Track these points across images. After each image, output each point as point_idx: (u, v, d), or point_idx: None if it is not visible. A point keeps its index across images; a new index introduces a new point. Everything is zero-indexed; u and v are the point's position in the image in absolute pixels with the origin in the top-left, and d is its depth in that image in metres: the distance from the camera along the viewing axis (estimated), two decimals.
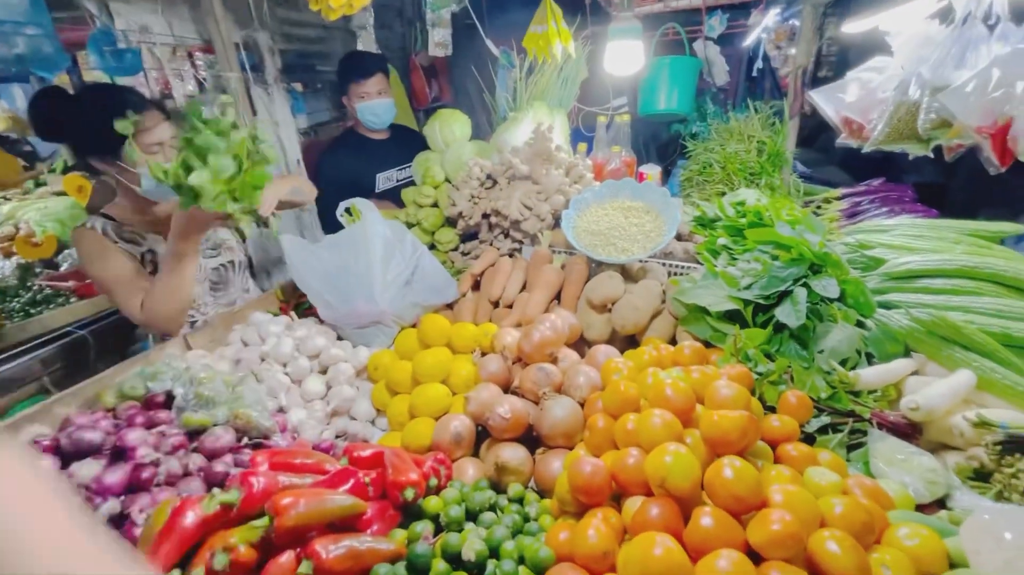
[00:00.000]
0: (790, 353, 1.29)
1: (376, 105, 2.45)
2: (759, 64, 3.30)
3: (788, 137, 2.33)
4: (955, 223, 1.61)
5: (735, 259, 1.58)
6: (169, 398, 1.20)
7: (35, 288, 2.47)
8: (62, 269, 2.72)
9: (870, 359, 1.30)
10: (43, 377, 1.88)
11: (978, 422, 1.05)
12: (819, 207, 2.18)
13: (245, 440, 1.15)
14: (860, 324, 1.34)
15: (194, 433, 1.11)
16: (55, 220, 3.09)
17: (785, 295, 1.35)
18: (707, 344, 1.38)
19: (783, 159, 2.31)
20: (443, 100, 3.86)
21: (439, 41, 2.94)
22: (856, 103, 1.67)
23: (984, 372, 1.20)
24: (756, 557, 0.69)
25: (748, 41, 3.15)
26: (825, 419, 1.14)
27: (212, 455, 1.07)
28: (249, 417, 1.15)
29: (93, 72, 3.62)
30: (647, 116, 2.77)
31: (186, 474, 1.02)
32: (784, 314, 1.30)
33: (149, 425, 1.09)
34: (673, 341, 1.47)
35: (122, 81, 3.26)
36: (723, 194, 2.22)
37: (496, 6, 2.90)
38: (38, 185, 3.73)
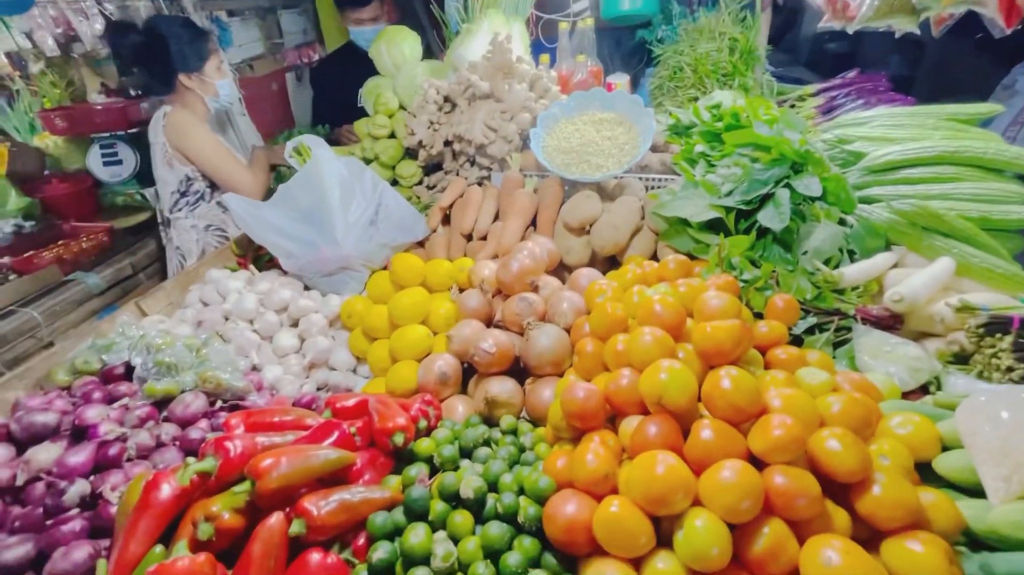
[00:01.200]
0: (774, 257, 1.27)
1: (370, 31, 2.39)
2: None
3: (760, 32, 2.19)
4: (933, 108, 1.56)
5: (714, 166, 1.51)
6: (129, 369, 1.12)
7: None
8: None
9: (852, 256, 1.28)
10: None
11: (961, 307, 1.05)
12: (794, 105, 2.09)
13: (219, 403, 1.09)
14: (842, 222, 1.31)
15: (163, 402, 1.04)
16: None
17: (767, 198, 1.30)
18: (690, 257, 1.34)
19: (756, 57, 2.18)
20: (388, 20, 3.51)
21: None
22: None
23: (964, 258, 1.20)
24: (758, 464, 0.68)
25: None
26: (811, 320, 1.13)
27: (185, 423, 1.01)
28: (219, 379, 1.08)
29: None
30: (611, 20, 2.57)
31: (160, 445, 0.96)
32: (767, 218, 1.26)
33: (109, 399, 1.01)
34: (655, 258, 1.43)
35: (18, 25, 2.85)
36: (696, 99, 2.10)
37: None
38: None
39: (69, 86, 3.04)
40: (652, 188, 1.58)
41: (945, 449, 0.75)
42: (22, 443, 0.89)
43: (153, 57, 1.85)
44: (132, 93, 2.90)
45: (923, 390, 1.01)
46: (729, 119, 1.59)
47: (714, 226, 1.34)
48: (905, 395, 0.98)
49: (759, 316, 1.13)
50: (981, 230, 1.24)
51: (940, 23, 1.28)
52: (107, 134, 2.72)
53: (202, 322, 1.32)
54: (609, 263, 1.47)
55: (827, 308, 1.16)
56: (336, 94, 2.50)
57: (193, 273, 1.50)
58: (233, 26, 2.84)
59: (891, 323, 1.14)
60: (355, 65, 2.46)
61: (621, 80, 2.20)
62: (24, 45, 3.25)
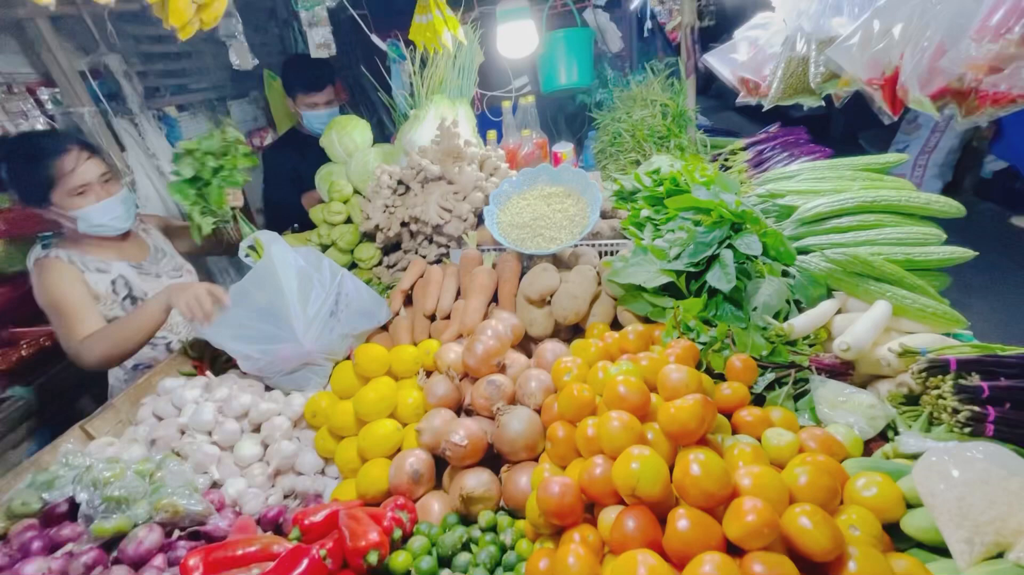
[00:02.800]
0: (727, 316, 1.32)
1: (325, 115, 2.41)
2: (648, 24, 3.35)
3: (688, 95, 2.37)
4: (848, 160, 1.71)
5: (659, 230, 1.59)
6: (74, 506, 1.04)
7: None
8: None
9: (799, 306, 1.35)
10: None
11: (902, 351, 1.12)
12: (726, 159, 2.25)
13: (177, 532, 1.02)
14: (785, 274, 1.39)
15: (113, 541, 0.97)
16: None
17: (713, 259, 1.37)
18: (648, 320, 1.38)
19: (687, 118, 2.36)
20: (340, 102, 3.63)
21: (320, 42, 2.72)
22: (749, 62, 1.71)
23: (897, 300, 1.28)
24: (735, 548, 0.68)
25: (635, 3, 3.17)
26: (770, 376, 1.17)
27: (138, 562, 0.93)
28: (176, 506, 1.02)
29: None
30: (550, 93, 2.74)
31: None
32: (715, 279, 1.32)
33: (51, 548, 0.93)
34: (616, 322, 1.47)
35: None
36: (637, 163, 2.24)
37: None
38: None
39: None
40: (605, 254, 1.64)
41: (910, 506, 0.77)
42: None
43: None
44: None
45: (883, 436, 1.05)
46: (669, 184, 1.69)
47: (668, 288, 1.39)
48: (867, 443, 1.02)
49: (720, 377, 1.17)
50: (908, 271, 1.34)
51: (838, 99, 1.43)
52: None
53: (156, 440, 1.25)
54: (572, 331, 1.50)
55: (783, 362, 1.21)
56: (285, 175, 2.54)
57: (144, 384, 1.43)
58: (182, 120, 2.86)
59: (844, 370, 1.19)
60: (303, 146, 2.52)
61: (566, 148, 2.32)
62: None
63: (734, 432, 1.02)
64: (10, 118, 2.42)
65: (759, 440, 0.95)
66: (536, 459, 1.09)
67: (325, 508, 0.97)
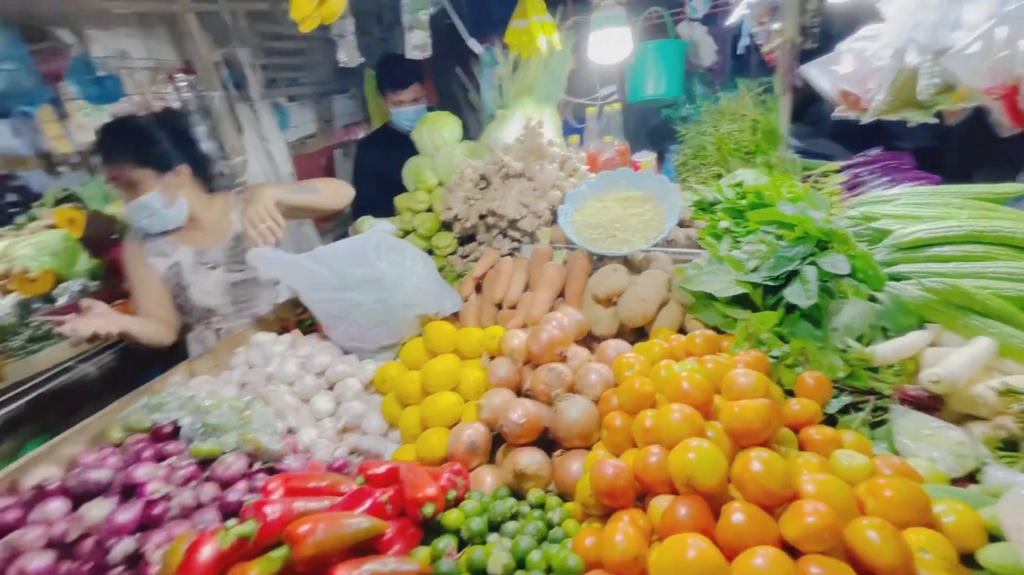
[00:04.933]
0: (803, 333, 1.27)
1: (410, 111, 2.55)
2: (744, 42, 3.27)
3: (781, 113, 2.30)
4: (957, 188, 1.59)
5: (739, 242, 1.55)
6: (176, 428, 1.18)
7: (34, 325, 2.45)
8: (59, 303, 2.70)
9: (885, 333, 1.27)
10: (49, 415, 1.85)
11: (1004, 391, 1.03)
12: (817, 181, 2.15)
13: (257, 465, 1.13)
14: (872, 299, 1.31)
15: (205, 462, 1.09)
16: (50, 254, 3.07)
17: (793, 275, 1.33)
18: (718, 330, 1.36)
19: (778, 136, 2.28)
20: (429, 103, 3.83)
21: (417, 44, 2.90)
22: (852, 74, 1.64)
23: (1003, 338, 1.17)
24: (792, 551, 0.66)
25: (732, 19, 3.11)
26: (845, 399, 1.11)
27: (225, 484, 1.05)
28: (259, 442, 1.13)
29: (75, 102, 3.59)
30: (636, 103, 2.74)
31: (199, 505, 1.00)
32: (794, 294, 1.28)
33: (158, 458, 1.07)
34: (683, 330, 1.45)
35: (104, 108, 3.22)
36: (719, 176, 2.19)
37: (475, 4, 2.86)
38: (31, 219, 3.70)
39: None
40: (678, 262, 1.63)
41: (992, 538, 0.71)
42: (78, 498, 0.94)
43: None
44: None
45: (970, 478, 0.97)
46: (752, 197, 1.65)
47: (740, 301, 1.36)
48: (952, 483, 0.95)
49: (789, 394, 1.13)
50: (1021, 310, 1.22)
51: (953, 115, 1.34)
52: None
53: (246, 384, 1.39)
54: (637, 334, 1.49)
55: (861, 387, 1.14)
56: (372, 168, 2.70)
57: (240, 336, 1.59)
58: (291, 110, 3.15)
59: (931, 404, 1.11)
60: (391, 143, 2.68)
61: (647, 158, 2.32)
62: None
63: (800, 449, 0.98)
64: (159, 97, 2.78)
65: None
66: (589, 448, 1.10)
67: (387, 463, 1.04)
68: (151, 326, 1.75)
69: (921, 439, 1.02)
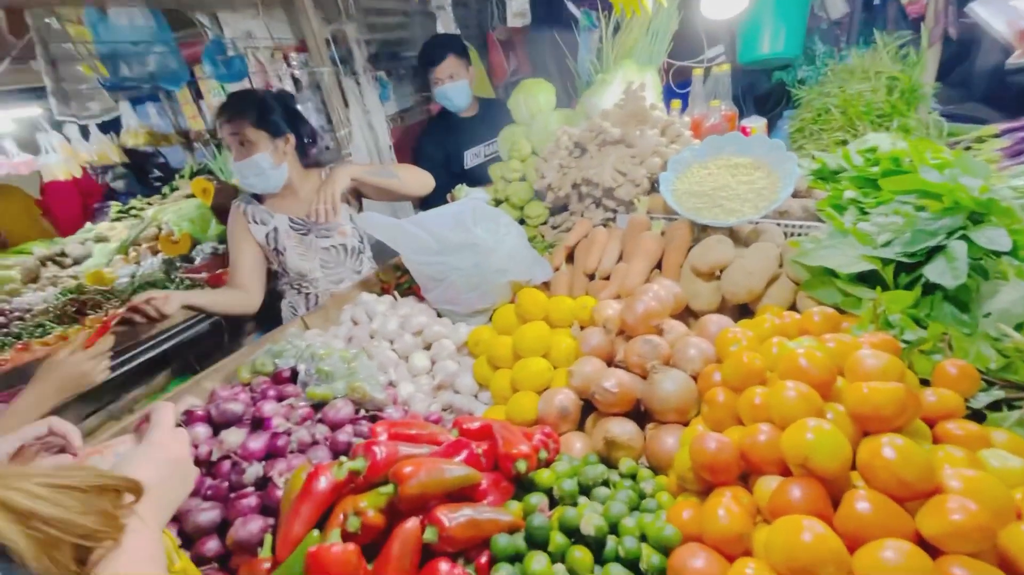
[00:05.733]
0: (945, 318, 1.11)
1: (448, 89, 2.50)
2: None
3: (926, 69, 1.99)
4: None
5: (867, 214, 1.38)
6: (294, 373, 1.30)
7: (176, 280, 2.82)
8: (196, 262, 3.08)
9: None
10: (190, 356, 2.13)
11: None
12: (968, 148, 1.85)
13: (362, 412, 1.22)
14: None
15: (317, 405, 1.20)
16: (188, 220, 3.49)
17: (936, 251, 1.16)
18: (837, 311, 1.23)
19: (919, 95, 1.98)
20: (522, 73, 3.79)
21: (517, 11, 2.87)
22: None
23: None
24: (929, 551, 0.59)
25: None
26: (997, 393, 0.96)
27: (334, 426, 1.14)
28: (364, 390, 1.22)
29: (208, 81, 3.99)
30: (748, 64, 2.51)
31: (313, 443, 1.10)
32: (936, 272, 1.12)
33: (280, 398, 1.18)
34: (793, 310, 1.33)
35: (231, 87, 3.53)
36: (844, 143, 1.96)
37: None
38: (172, 190, 4.23)
39: None
40: (792, 235, 1.49)
41: None
42: (217, 426, 1.08)
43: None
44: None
45: None
46: (888, 163, 1.46)
47: (866, 279, 1.22)
48: None
49: (924, 383, 1.00)
50: None
51: None
52: None
53: (352, 338, 1.50)
54: (739, 312, 1.40)
55: (1020, 382, 0.98)
56: (430, 156, 2.65)
57: (347, 295, 1.72)
58: (390, 84, 3.27)
59: None
60: (448, 128, 2.64)
61: (757, 124, 2.13)
62: None
63: (936, 443, 0.87)
64: (274, 74, 3.01)
65: None
66: (685, 423, 1.06)
67: (481, 420, 1.08)
68: (226, 296, 1.96)
69: None
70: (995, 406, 0.97)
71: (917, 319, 1.12)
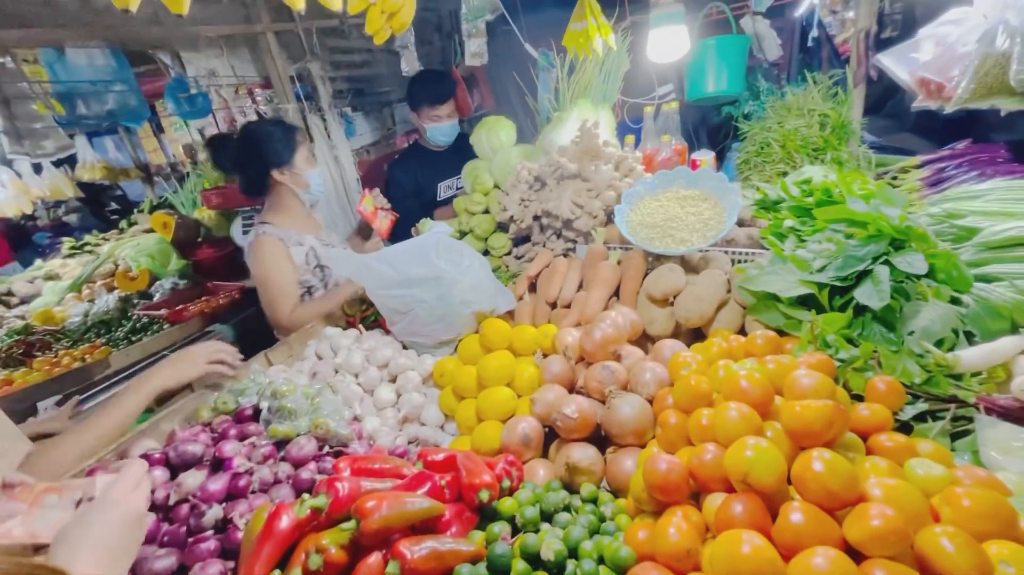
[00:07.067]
0: (875, 336, 1.20)
1: (447, 127, 2.61)
2: (814, 33, 3.11)
3: (853, 106, 2.17)
4: None
5: (804, 241, 1.49)
6: (256, 411, 1.29)
7: (134, 318, 2.74)
8: (155, 299, 2.99)
9: (970, 338, 1.18)
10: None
11: None
12: (895, 178, 2.01)
13: (326, 448, 1.21)
14: (955, 301, 1.22)
15: (280, 443, 1.19)
16: (147, 255, 3.41)
17: (864, 275, 1.26)
18: (780, 332, 1.31)
19: (849, 131, 2.16)
20: (485, 108, 3.91)
21: (475, 51, 2.98)
22: (933, 62, 1.53)
23: None
24: (855, 557, 0.64)
25: (801, 10, 2.98)
26: (922, 406, 1.04)
27: (298, 463, 1.13)
28: (328, 426, 1.21)
29: (170, 118, 3.96)
30: (695, 101, 2.68)
31: (276, 481, 1.09)
32: (865, 295, 1.21)
33: (241, 437, 1.17)
34: (742, 332, 1.41)
35: (194, 123, 3.50)
36: (785, 174, 2.10)
37: (531, 10, 2.91)
38: (131, 224, 4.12)
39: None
40: (739, 262, 1.58)
41: None
42: (175, 468, 1.06)
43: (247, 160, 1.95)
44: None
45: None
46: (820, 194, 1.58)
47: (806, 302, 1.31)
48: None
49: (858, 398, 1.07)
50: None
51: None
52: (248, 208, 3.23)
53: (316, 373, 1.49)
54: (693, 336, 1.47)
55: (941, 394, 1.07)
56: (407, 185, 2.69)
57: (312, 330, 1.71)
58: (356, 119, 3.33)
59: (1023, 416, 1.02)
60: (424, 160, 2.70)
61: (706, 157, 2.26)
62: (196, 139, 4.02)
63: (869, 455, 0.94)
64: (237, 111, 3.03)
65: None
66: (643, 446, 1.10)
67: (445, 451, 1.09)
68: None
69: (1012, 452, 0.94)
70: (921, 417, 1.05)
71: (850, 339, 1.21)
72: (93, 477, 0.78)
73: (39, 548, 0.65)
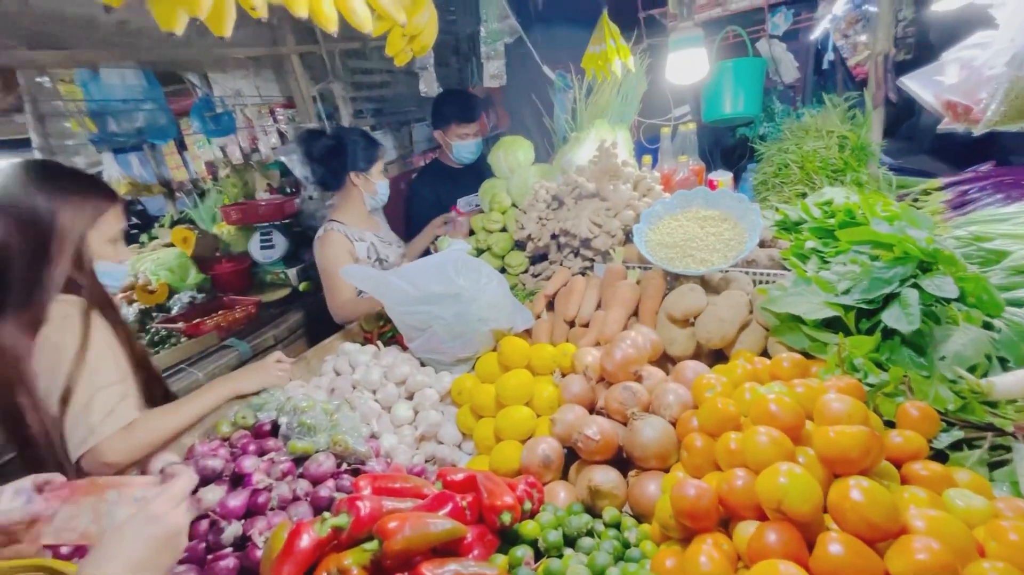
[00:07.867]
0: (904, 361, 1.18)
1: (472, 144, 2.67)
2: (829, 56, 3.13)
3: (872, 128, 2.17)
4: None
5: (827, 263, 1.47)
6: (275, 426, 1.29)
7: (152, 331, 2.76)
8: (173, 312, 3.03)
9: (1003, 364, 1.15)
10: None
11: None
12: (916, 200, 2.00)
13: (344, 466, 1.20)
14: (987, 326, 1.20)
15: (299, 459, 1.18)
16: (167, 269, 3.46)
17: (891, 298, 1.24)
18: (805, 355, 1.29)
19: (868, 153, 2.15)
20: (500, 128, 3.97)
21: (493, 73, 3.04)
22: (960, 84, 1.53)
23: None
24: None
25: (816, 34, 3.00)
26: (957, 434, 1.01)
27: (316, 480, 1.12)
28: (346, 443, 1.20)
29: (194, 136, 4.05)
30: (712, 122, 2.70)
31: (294, 498, 1.08)
32: (893, 318, 1.19)
33: (260, 452, 1.17)
34: (765, 354, 1.39)
35: (217, 141, 3.59)
36: (803, 195, 2.09)
37: (548, 32, 2.97)
38: (152, 239, 4.19)
39: (244, 186, 3.75)
40: (760, 283, 1.57)
41: None
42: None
43: (333, 157, 2.20)
44: (288, 191, 3.49)
45: None
46: (843, 215, 1.57)
47: (831, 324, 1.29)
48: None
49: (889, 425, 1.05)
50: None
51: None
52: (266, 223, 3.28)
53: (334, 389, 1.49)
54: (714, 357, 1.45)
55: (977, 422, 1.04)
56: (427, 201, 2.75)
57: (329, 346, 1.72)
58: (376, 138, 3.39)
59: None
60: (445, 177, 2.75)
61: (724, 177, 2.26)
62: (219, 156, 4.12)
63: (904, 484, 0.91)
64: (259, 129, 3.10)
65: None
66: (666, 470, 1.08)
67: (464, 471, 1.08)
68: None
69: None
70: (956, 446, 1.02)
71: (879, 363, 1.18)
72: (152, 477, 0.80)
73: None
